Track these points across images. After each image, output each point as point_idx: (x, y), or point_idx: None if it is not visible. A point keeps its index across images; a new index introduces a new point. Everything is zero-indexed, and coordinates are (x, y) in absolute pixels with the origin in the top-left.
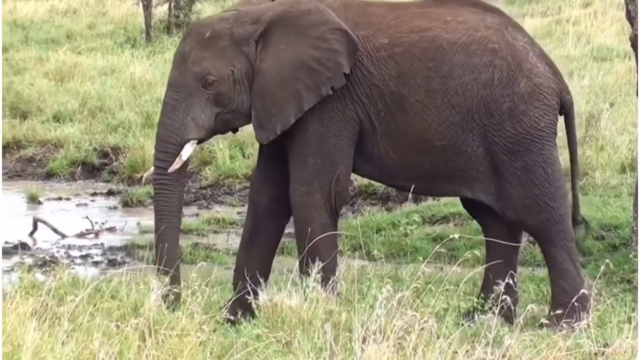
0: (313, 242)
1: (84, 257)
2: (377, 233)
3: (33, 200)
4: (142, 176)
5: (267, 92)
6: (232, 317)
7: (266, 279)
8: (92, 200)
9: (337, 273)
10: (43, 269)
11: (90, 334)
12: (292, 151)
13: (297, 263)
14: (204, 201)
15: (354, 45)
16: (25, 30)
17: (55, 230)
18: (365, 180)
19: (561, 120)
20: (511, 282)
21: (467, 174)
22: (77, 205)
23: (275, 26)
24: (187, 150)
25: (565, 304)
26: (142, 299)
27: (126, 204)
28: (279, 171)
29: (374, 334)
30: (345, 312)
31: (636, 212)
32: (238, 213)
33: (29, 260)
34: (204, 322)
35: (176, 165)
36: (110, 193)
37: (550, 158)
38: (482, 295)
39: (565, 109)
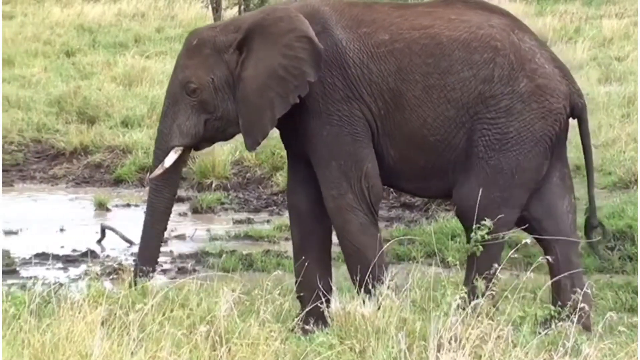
0: (355, 244)
1: None
2: (451, 239)
3: (101, 207)
4: (211, 182)
5: (248, 100)
6: (304, 326)
7: (330, 280)
8: None
9: (386, 271)
10: (111, 277)
11: (159, 343)
12: (315, 158)
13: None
14: (275, 207)
15: (319, 53)
16: (92, 34)
17: (123, 238)
18: None
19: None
20: (578, 285)
21: (453, 167)
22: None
23: (254, 34)
24: (170, 158)
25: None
26: (212, 307)
27: (196, 211)
28: (309, 173)
29: (449, 343)
30: (419, 320)
31: None
32: None
33: (96, 268)
34: (276, 330)
35: (157, 171)
36: (179, 199)
37: (524, 165)
38: (559, 303)
39: (577, 112)
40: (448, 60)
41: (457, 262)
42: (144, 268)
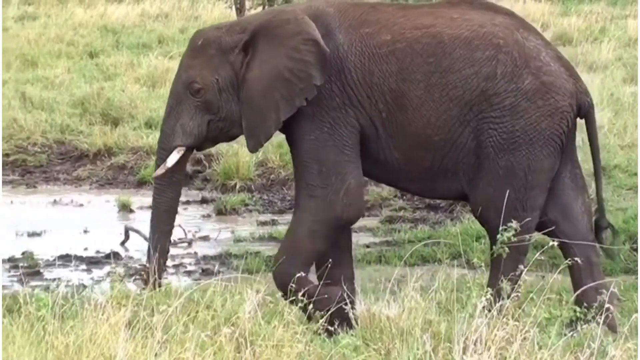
0: (296, 245)
1: (176, 266)
2: (476, 241)
3: (124, 208)
4: (235, 183)
5: (252, 101)
6: (329, 328)
7: (354, 281)
8: (185, 209)
9: (307, 284)
10: (135, 278)
11: (183, 345)
12: (295, 160)
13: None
14: None
15: (325, 56)
16: (116, 34)
17: (147, 239)
18: None
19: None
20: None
21: (459, 167)
22: None
23: (260, 35)
24: (173, 157)
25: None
26: (236, 309)
27: (220, 212)
28: None
29: (475, 344)
30: (444, 322)
31: None
32: None
33: (120, 270)
34: (301, 332)
35: (159, 171)
36: (203, 201)
37: (535, 165)
38: (584, 304)
39: (584, 111)
40: (449, 59)
41: (483, 264)
42: (152, 268)
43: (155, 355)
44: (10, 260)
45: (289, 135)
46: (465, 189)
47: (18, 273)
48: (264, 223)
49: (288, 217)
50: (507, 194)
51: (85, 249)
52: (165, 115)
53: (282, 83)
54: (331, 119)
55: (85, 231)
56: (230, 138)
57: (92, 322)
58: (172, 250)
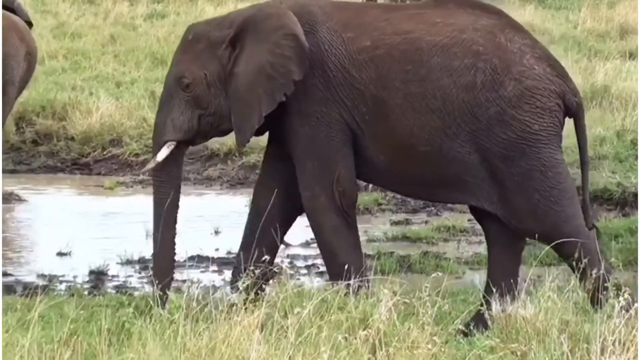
0: (328, 246)
1: (309, 267)
2: (614, 240)
3: None
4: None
5: (239, 96)
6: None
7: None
8: None
9: (362, 272)
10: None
11: (318, 347)
12: (294, 157)
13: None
14: (433, 208)
15: (304, 51)
16: None
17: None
18: (601, 185)
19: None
20: None
21: (464, 181)
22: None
23: (245, 30)
24: (163, 152)
25: None
26: (371, 310)
27: None
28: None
29: (613, 345)
30: (582, 323)
31: None
32: (469, 220)
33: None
34: (436, 333)
35: (149, 166)
36: None
37: (549, 161)
38: None
39: (572, 111)
40: (426, 67)
41: (620, 263)
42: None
43: (289, 357)
44: (141, 261)
45: (280, 133)
46: (485, 205)
47: (149, 274)
48: (397, 222)
49: (422, 216)
50: (534, 198)
51: (217, 249)
52: (158, 109)
53: (265, 78)
54: (315, 112)
55: (217, 232)
56: (222, 133)
57: (225, 324)
58: (304, 251)
